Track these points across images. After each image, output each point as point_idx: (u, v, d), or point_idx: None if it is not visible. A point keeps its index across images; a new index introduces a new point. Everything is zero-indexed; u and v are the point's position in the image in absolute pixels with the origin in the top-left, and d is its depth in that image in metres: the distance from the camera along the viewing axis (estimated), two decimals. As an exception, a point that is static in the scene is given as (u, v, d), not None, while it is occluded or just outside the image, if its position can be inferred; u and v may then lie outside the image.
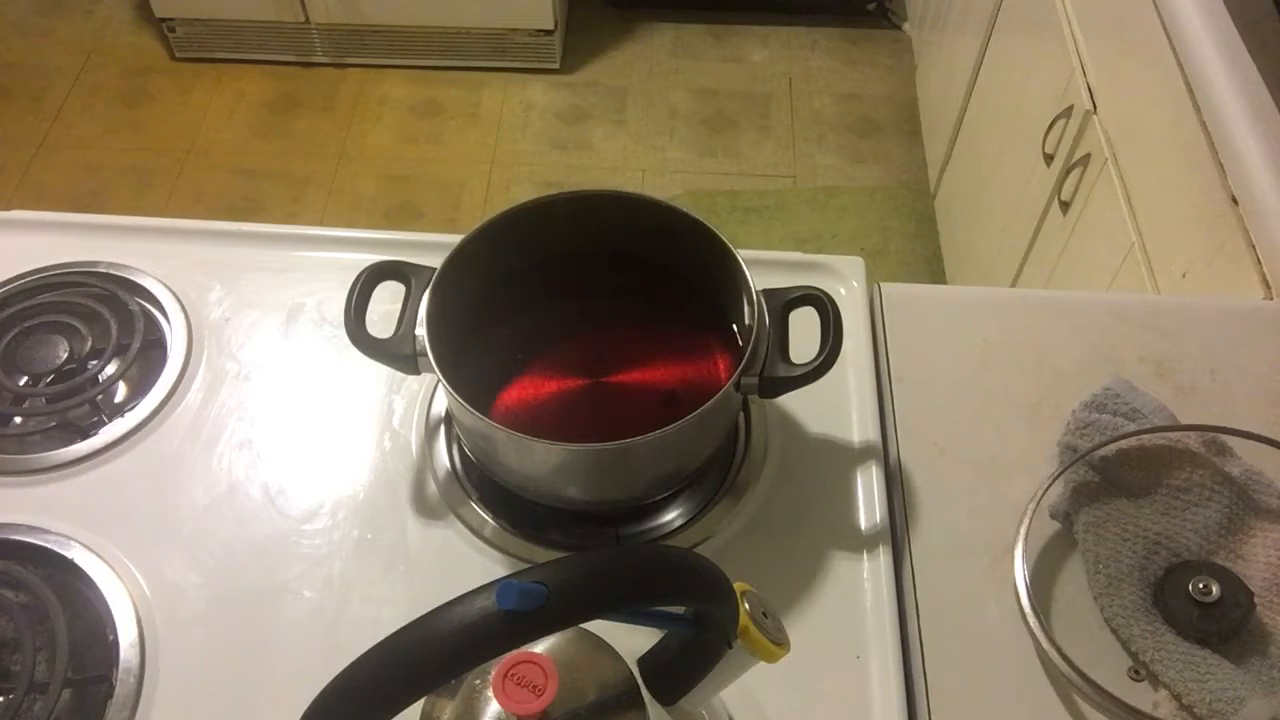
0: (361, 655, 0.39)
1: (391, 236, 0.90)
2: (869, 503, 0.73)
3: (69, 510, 0.73)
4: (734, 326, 0.73)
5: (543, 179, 2.26)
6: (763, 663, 0.49)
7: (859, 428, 0.77)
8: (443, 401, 0.79)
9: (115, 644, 0.67)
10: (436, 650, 0.38)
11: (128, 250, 0.87)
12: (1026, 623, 0.65)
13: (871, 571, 0.70)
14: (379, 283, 0.71)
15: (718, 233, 0.71)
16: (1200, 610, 0.64)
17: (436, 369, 0.65)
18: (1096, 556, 0.68)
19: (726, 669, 0.49)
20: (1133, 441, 0.71)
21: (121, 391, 0.81)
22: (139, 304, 0.83)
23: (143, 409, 0.78)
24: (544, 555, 0.71)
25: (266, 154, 2.30)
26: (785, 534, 0.72)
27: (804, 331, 0.69)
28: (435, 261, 0.70)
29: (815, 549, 0.71)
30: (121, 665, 0.66)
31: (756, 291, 0.68)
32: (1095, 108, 1.25)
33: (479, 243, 0.71)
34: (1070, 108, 1.31)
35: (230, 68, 2.45)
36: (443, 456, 0.76)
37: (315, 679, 0.40)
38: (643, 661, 0.51)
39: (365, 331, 0.69)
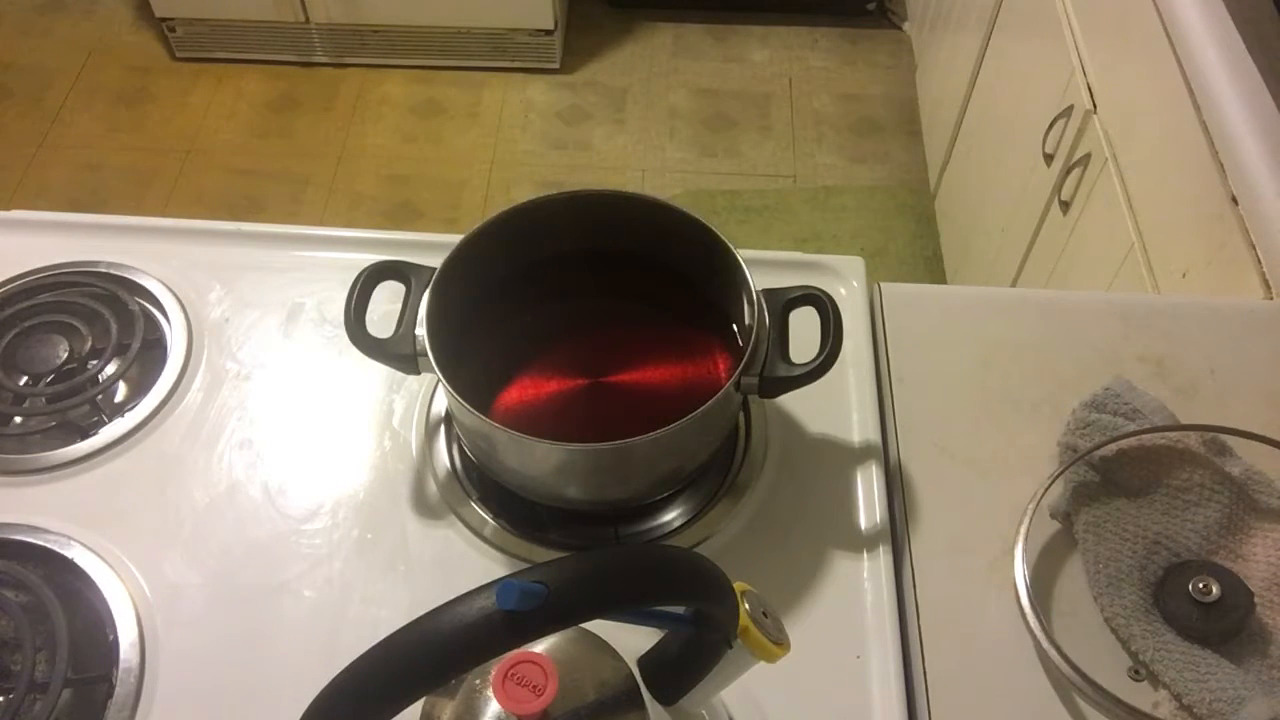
0: (361, 655, 0.39)
1: (391, 236, 0.90)
2: (869, 503, 0.73)
3: (69, 510, 0.73)
4: (734, 326, 0.73)
5: (543, 179, 2.26)
6: (763, 663, 0.49)
7: (859, 428, 0.77)
8: (443, 401, 0.79)
9: (115, 644, 0.67)
10: (436, 650, 0.38)
11: (128, 250, 0.87)
12: (1026, 623, 0.65)
13: (871, 571, 0.70)
14: (379, 283, 0.71)
15: (718, 233, 0.71)
16: (1200, 610, 0.64)
17: (436, 369, 0.65)
18: (1096, 556, 0.68)
19: (726, 669, 0.49)
20: (1133, 441, 0.71)
21: (121, 391, 0.81)
22: (139, 304, 0.83)
23: (143, 409, 0.78)
24: (544, 555, 0.71)
25: (266, 154, 2.30)
26: (785, 534, 0.72)
27: (804, 331, 0.69)
28: (435, 261, 0.70)
29: (815, 549, 0.71)
30: (121, 665, 0.66)
31: (756, 291, 0.68)
32: (1095, 108, 1.25)
33: (479, 243, 0.71)
34: (1070, 108, 1.31)
35: (230, 68, 2.45)
36: (443, 456, 0.76)
37: (315, 679, 0.40)
38: (643, 661, 0.51)
39: (365, 331, 0.69)
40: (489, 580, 0.38)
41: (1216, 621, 0.64)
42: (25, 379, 0.80)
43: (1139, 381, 0.75)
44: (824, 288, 0.70)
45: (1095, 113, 1.25)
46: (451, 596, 0.39)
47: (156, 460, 0.76)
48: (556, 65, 2.43)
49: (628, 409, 0.71)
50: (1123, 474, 0.70)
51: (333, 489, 0.75)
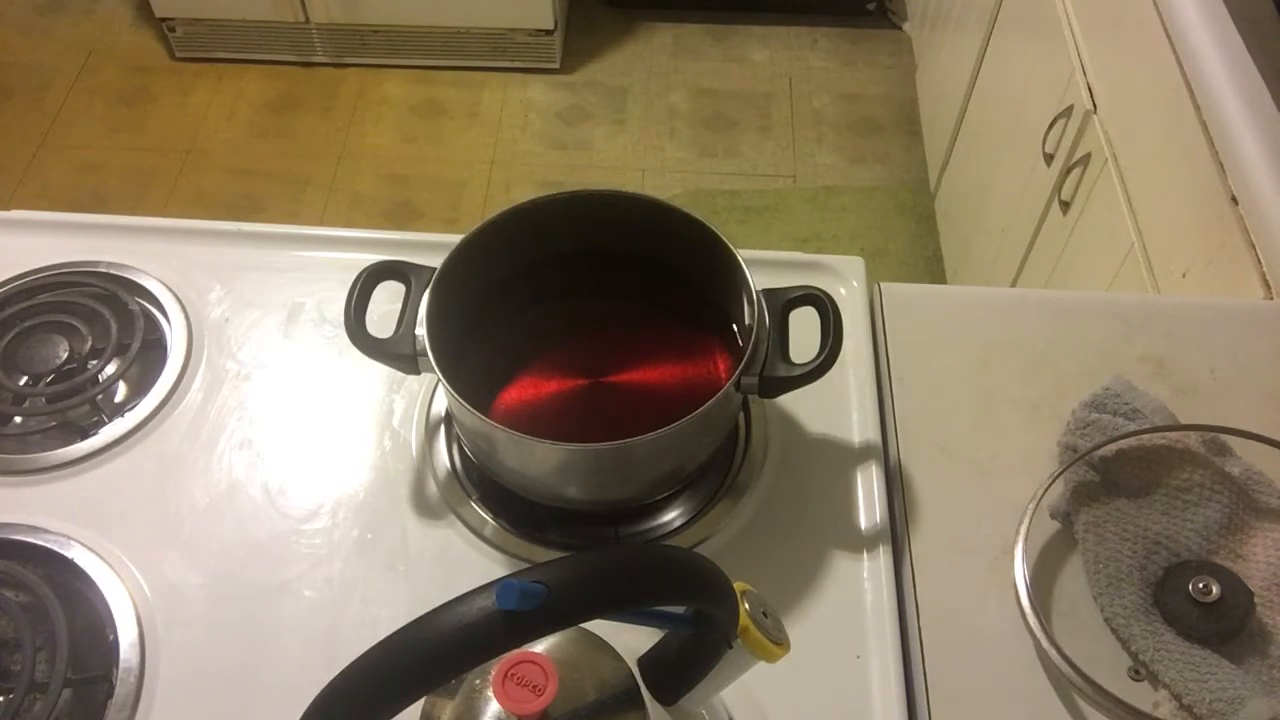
0: (361, 655, 0.39)
1: (391, 236, 0.90)
2: (869, 503, 0.73)
3: (69, 510, 0.73)
4: (734, 326, 0.73)
5: (543, 179, 2.26)
6: (763, 663, 0.49)
7: (859, 428, 0.77)
8: (443, 401, 0.79)
9: (115, 644, 0.67)
10: (436, 650, 0.38)
11: (128, 250, 0.87)
12: (1026, 623, 0.65)
13: (871, 571, 0.70)
14: (379, 283, 0.71)
15: (718, 233, 0.71)
16: (1200, 610, 0.64)
17: (436, 369, 0.65)
18: (1096, 556, 0.68)
19: (726, 669, 0.49)
20: (1133, 441, 0.71)
21: (121, 391, 0.81)
22: (139, 304, 0.83)
23: (143, 409, 0.78)
24: (544, 555, 0.71)
25: (266, 154, 2.30)
26: (785, 534, 0.72)
27: (804, 331, 0.69)
28: (435, 261, 0.70)
29: (815, 549, 0.71)
30: (121, 665, 0.66)
31: (756, 291, 0.68)
32: (1095, 108, 1.25)
33: (479, 243, 0.71)
34: (1070, 108, 1.31)
35: (230, 68, 2.45)
36: (443, 456, 0.76)
37: (315, 679, 0.40)
38: (643, 661, 0.51)
39: (365, 331, 0.69)
40: (489, 580, 0.38)
41: (1216, 621, 0.64)
42: (25, 379, 0.80)
43: (1139, 381, 0.75)
44: (824, 288, 0.70)
45: (1095, 113, 1.25)
46: (451, 596, 0.39)
47: (156, 460, 0.76)
48: (556, 65, 2.43)
49: (628, 409, 0.71)
50: (1123, 474, 0.70)
51: (333, 489, 0.75)
